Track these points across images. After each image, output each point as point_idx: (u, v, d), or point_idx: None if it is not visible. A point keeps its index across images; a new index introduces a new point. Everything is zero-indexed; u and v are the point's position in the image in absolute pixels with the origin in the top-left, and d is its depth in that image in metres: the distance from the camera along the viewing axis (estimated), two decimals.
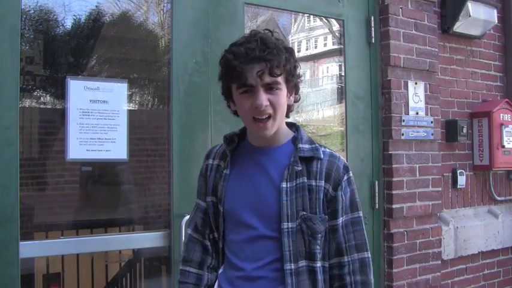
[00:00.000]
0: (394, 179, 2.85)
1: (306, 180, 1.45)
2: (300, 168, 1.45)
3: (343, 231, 1.46)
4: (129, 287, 3.84)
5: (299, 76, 1.52)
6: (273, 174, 1.47)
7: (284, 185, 1.44)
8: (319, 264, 1.44)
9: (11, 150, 1.89)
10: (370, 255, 1.49)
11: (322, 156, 1.47)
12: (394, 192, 2.85)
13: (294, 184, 1.44)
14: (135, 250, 3.55)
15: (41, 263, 3.48)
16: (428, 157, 3.02)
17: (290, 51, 1.47)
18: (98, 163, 3.38)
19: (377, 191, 2.87)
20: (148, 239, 2.38)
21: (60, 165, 3.72)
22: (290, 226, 1.42)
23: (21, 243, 1.91)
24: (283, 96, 1.44)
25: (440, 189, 3.09)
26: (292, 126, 1.58)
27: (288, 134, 1.53)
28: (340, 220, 1.46)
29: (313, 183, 1.44)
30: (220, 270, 1.58)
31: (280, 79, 1.42)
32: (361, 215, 1.50)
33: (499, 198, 3.57)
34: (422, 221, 2.98)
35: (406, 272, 2.87)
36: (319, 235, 1.44)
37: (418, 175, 2.96)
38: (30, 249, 2.03)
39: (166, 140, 2.35)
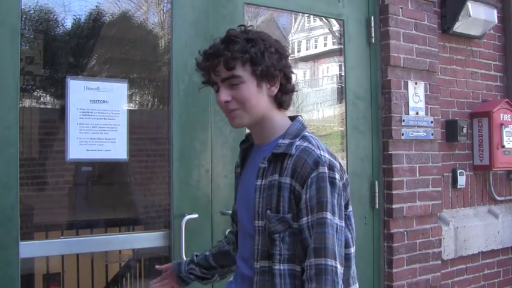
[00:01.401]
0: (394, 179, 2.85)
1: (277, 178, 1.37)
2: (264, 166, 1.39)
3: (308, 233, 1.31)
4: (129, 287, 3.84)
5: (277, 64, 1.41)
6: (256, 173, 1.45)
7: (258, 182, 1.40)
8: (278, 266, 1.34)
9: (11, 150, 1.89)
10: (331, 263, 1.27)
11: (293, 151, 1.36)
12: (394, 192, 2.85)
13: (267, 182, 1.39)
14: (135, 250, 3.55)
15: (41, 263, 3.48)
16: (428, 157, 3.02)
17: (253, 39, 1.38)
18: (98, 163, 3.38)
19: (377, 191, 2.87)
20: (148, 239, 2.38)
21: (60, 165, 3.72)
22: (260, 224, 1.39)
23: (21, 243, 1.91)
24: (247, 89, 1.38)
25: (440, 189, 3.09)
26: (294, 119, 1.51)
27: (283, 129, 1.46)
28: (305, 220, 1.31)
29: (282, 180, 1.36)
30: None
31: (240, 71, 1.37)
32: (327, 216, 1.30)
33: (499, 198, 3.57)
34: (422, 221, 2.98)
35: (406, 272, 2.87)
36: (276, 235, 1.34)
37: (418, 175, 2.96)
38: (30, 249, 2.03)
39: (166, 140, 2.35)
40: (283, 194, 1.35)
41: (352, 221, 1.48)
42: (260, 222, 1.39)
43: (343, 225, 1.36)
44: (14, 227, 1.89)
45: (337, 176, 1.35)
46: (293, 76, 1.49)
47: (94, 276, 3.80)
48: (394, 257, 2.83)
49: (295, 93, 1.54)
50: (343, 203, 1.38)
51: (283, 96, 1.45)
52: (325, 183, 1.32)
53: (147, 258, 3.64)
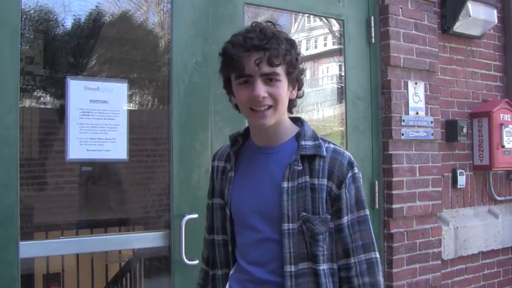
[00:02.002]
0: (394, 179, 2.85)
1: (308, 179, 1.38)
2: (300, 168, 1.39)
3: (349, 231, 1.38)
4: (129, 287, 3.84)
5: (302, 70, 1.46)
6: (275, 174, 1.42)
7: (285, 184, 1.38)
8: (322, 266, 1.37)
9: (11, 150, 1.89)
10: (378, 255, 1.41)
11: (324, 153, 1.40)
12: (394, 192, 2.85)
13: (296, 184, 1.38)
14: (135, 250, 3.55)
15: (41, 263, 3.48)
16: (428, 157, 3.02)
17: (291, 43, 1.41)
18: (98, 163, 3.38)
19: (377, 191, 2.87)
20: (148, 239, 2.38)
21: (60, 165, 3.72)
22: (291, 227, 1.37)
23: (21, 243, 1.91)
24: (283, 88, 1.38)
25: (440, 189, 3.09)
26: (297, 121, 1.52)
27: (292, 131, 1.47)
28: (345, 219, 1.38)
29: (316, 182, 1.38)
30: (232, 271, 1.55)
31: (280, 70, 1.37)
32: (367, 213, 1.42)
33: (499, 198, 3.57)
34: (422, 221, 2.98)
35: (406, 272, 2.87)
36: (320, 236, 1.37)
37: (418, 175, 2.96)
38: (30, 249, 2.03)
39: (166, 140, 2.34)
40: (321, 195, 1.37)
41: None
42: (291, 224, 1.37)
43: None
44: (14, 227, 1.89)
45: (361, 175, 1.45)
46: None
47: (94, 276, 3.80)
48: (394, 257, 2.83)
49: None
50: None
51: (296, 100, 1.49)
52: (360, 182, 1.43)
53: (147, 258, 3.64)
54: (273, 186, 1.41)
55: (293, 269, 1.37)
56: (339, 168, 1.39)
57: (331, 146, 1.44)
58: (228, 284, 1.55)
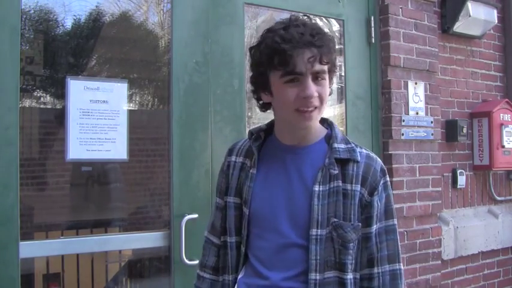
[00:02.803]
0: (394, 179, 2.85)
1: (341, 184, 1.32)
2: (336, 172, 1.32)
3: (376, 240, 1.33)
4: (129, 287, 3.84)
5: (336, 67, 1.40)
6: (305, 176, 1.34)
7: (317, 188, 1.31)
8: (350, 276, 1.31)
9: (11, 150, 1.89)
10: (402, 267, 1.37)
11: (359, 158, 1.35)
12: (394, 192, 2.83)
13: (328, 188, 1.32)
14: (135, 250, 3.54)
15: (41, 263, 3.47)
16: (428, 157, 3.02)
17: (334, 39, 1.34)
18: (98, 163, 3.38)
19: None
20: (148, 239, 2.38)
21: (60, 165, 3.72)
22: (319, 233, 1.30)
23: (21, 243, 1.91)
24: (327, 87, 1.33)
25: (440, 189, 3.09)
26: (323, 122, 1.43)
27: (320, 131, 1.40)
28: (374, 228, 1.33)
29: (349, 188, 1.32)
30: (241, 275, 1.44)
31: (326, 69, 1.31)
32: (395, 222, 1.37)
33: (499, 198, 3.57)
34: (422, 221, 2.98)
35: (406, 272, 2.86)
36: (351, 244, 1.31)
37: (418, 175, 2.96)
38: (30, 249, 2.03)
39: (166, 140, 2.34)
40: (354, 201, 1.32)
41: None
42: (319, 230, 1.30)
43: None
44: (14, 227, 1.89)
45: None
46: None
47: (94, 276, 3.79)
48: None
49: None
50: None
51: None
52: (390, 190, 1.39)
53: (147, 258, 3.64)
54: (302, 189, 1.34)
55: (318, 277, 1.30)
56: (373, 175, 1.35)
57: (364, 151, 1.39)
58: None
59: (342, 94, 2.94)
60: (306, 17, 1.36)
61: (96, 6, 3.27)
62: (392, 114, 2.88)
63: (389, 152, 2.87)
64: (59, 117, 2.32)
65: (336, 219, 1.30)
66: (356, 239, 1.32)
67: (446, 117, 3.30)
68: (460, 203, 3.36)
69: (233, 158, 1.48)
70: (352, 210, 1.32)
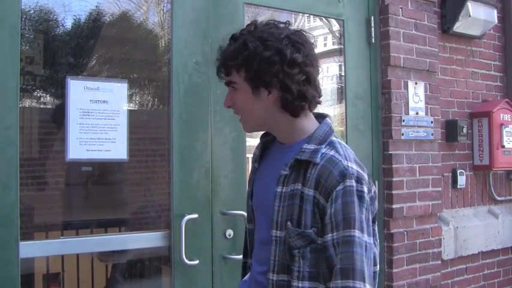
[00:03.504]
0: (394, 179, 2.85)
1: (300, 187, 1.27)
2: (286, 173, 1.29)
3: (334, 251, 1.21)
4: (129, 287, 3.83)
5: (275, 70, 1.27)
6: (277, 175, 1.33)
7: (279, 189, 1.30)
8: (297, 284, 1.24)
9: (11, 150, 1.89)
10: (361, 286, 1.17)
11: (318, 160, 1.26)
12: (394, 192, 2.85)
13: (289, 189, 1.29)
14: (135, 250, 3.54)
15: (41, 263, 3.47)
16: (428, 157, 3.02)
17: (248, 43, 1.27)
18: (98, 163, 3.38)
19: (377, 191, 2.86)
20: (148, 239, 2.38)
21: (60, 165, 3.72)
22: (279, 235, 1.29)
23: (21, 243, 1.91)
24: (240, 95, 1.32)
25: (440, 189, 3.09)
26: (322, 118, 1.40)
27: (308, 131, 1.35)
28: (329, 237, 1.21)
29: (305, 191, 1.26)
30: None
31: (236, 77, 1.31)
32: (355, 234, 1.20)
33: (499, 198, 3.57)
34: (422, 221, 2.98)
35: (406, 272, 2.87)
36: (295, 251, 1.24)
37: (418, 175, 2.96)
38: (30, 249, 2.03)
39: (167, 140, 2.34)
40: (306, 207, 1.25)
41: (377, 237, 1.36)
42: (279, 232, 1.29)
43: (372, 242, 1.26)
44: (14, 227, 1.89)
45: (365, 189, 1.25)
46: (299, 82, 1.31)
47: (94, 276, 3.79)
48: (394, 257, 2.83)
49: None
50: (370, 218, 1.29)
51: (289, 104, 1.31)
52: (353, 197, 1.22)
53: (147, 258, 3.64)
54: (273, 188, 1.33)
55: (274, 278, 1.30)
56: (328, 179, 1.23)
57: (331, 153, 1.28)
58: (248, 274, 1.55)
59: (341, 94, 2.94)
60: (251, 25, 1.34)
61: (96, 6, 3.27)
62: (392, 114, 2.88)
63: (390, 152, 2.87)
64: (59, 117, 2.32)
65: (289, 223, 1.26)
66: (303, 247, 1.24)
67: (446, 117, 3.30)
68: (460, 203, 3.36)
69: (255, 151, 1.54)
70: (304, 216, 1.25)
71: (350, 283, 1.17)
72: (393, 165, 2.86)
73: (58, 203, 3.91)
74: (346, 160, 1.27)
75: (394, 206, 2.84)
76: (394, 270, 2.82)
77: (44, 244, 2.25)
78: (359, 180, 1.25)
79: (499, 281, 3.52)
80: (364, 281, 1.18)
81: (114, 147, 2.17)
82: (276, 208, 1.30)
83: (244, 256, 1.61)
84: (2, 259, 1.86)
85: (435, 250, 3.01)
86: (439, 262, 3.04)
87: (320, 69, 1.40)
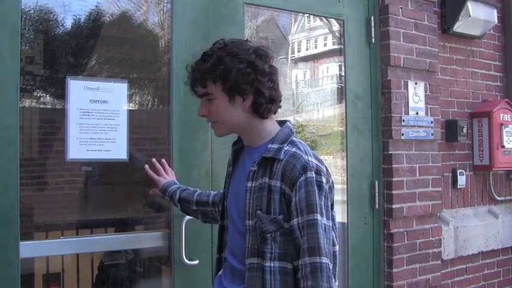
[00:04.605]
0: (394, 179, 2.85)
1: (267, 181, 1.46)
2: (254, 169, 1.49)
3: (300, 234, 1.41)
4: (129, 287, 3.84)
5: (251, 79, 1.48)
6: (247, 173, 1.53)
7: (249, 184, 1.50)
8: (269, 264, 1.43)
9: (11, 150, 1.89)
10: (324, 261, 1.39)
11: (282, 156, 1.46)
12: (394, 192, 2.85)
13: (258, 184, 1.48)
14: (135, 250, 3.54)
15: (41, 263, 3.47)
16: (428, 157, 3.02)
17: (224, 59, 1.47)
18: (98, 163, 3.38)
19: (377, 191, 2.87)
20: (148, 239, 2.39)
21: (60, 165, 3.72)
22: (251, 224, 1.47)
23: (21, 243, 1.91)
24: (218, 104, 1.51)
25: (440, 189, 3.09)
26: (283, 123, 1.61)
27: (271, 134, 1.55)
28: (295, 222, 1.42)
29: (272, 184, 1.45)
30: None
31: (212, 88, 1.50)
32: (317, 217, 1.41)
33: (499, 198, 3.57)
34: (422, 221, 2.98)
35: (406, 272, 2.87)
36: (268, 235, 1.44)
37: (418, 175, 2.96)
38: (30, 249, 2.03)
39: (166, 140, 2.35)
40: (274, 196, 1.45)
41: (336, 222, 1.57)
42: (251, 221, 1.47)
43: (330, 225, 1.47)
44: (14, 227, 1.89)
45: (324, 180, 1.45)
46: (270, 86, 1.53)
47: (94, 276, 3.79)
48: (394, 257, 2.83)
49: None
50: (329, 204, 1.49)
51: (261, 107, 1.52)
52: (313, 187, 1.42)
53: (147, 258, 3.64)
54: (243, 184, 1.52)
55: (247, 262, 1.48)
56: (292, 172, 1.43)
57: (293, 150, 1.47)
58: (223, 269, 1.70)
59: (341, 94, 2.94)
60: (220, 43, 1.55)
61: (96, 6, 3.27)
62: (392, 114, 2.88)
63: (390, 152, 2.87)
64: (59, 117, 2.32)
65: (259, 212, 1.46)
66: (275, 231, 1.44)
67: (446, 117, 3.30)
68: (460, 203, 3.36)
69: (229, 157, 1.73)
70: (273, 205, 1.44)
71: (317, 259, 1.39)
72: (393, 165, 2.86)
73: (58, 203, 3.91)
74: (307, 155, 1.47)
75: (394, 206, 2.84)
76: (394, 270, 2.82)
77: (44, 244, 2.25)
78: (318, 172, 1.45)
79: (499, 281, 3.52)
80: (327, 257, 1.40)
81: (114, 147, 2.17)
82: (247, 201, 1.49)
83: (218, 252, 1.75)
84: (2, 259, 1.86)
85: (435, 250, 3.01)
86: (439, 262, 3.04)
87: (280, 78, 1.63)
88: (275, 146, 1.50)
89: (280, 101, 1.60)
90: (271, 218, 1.44)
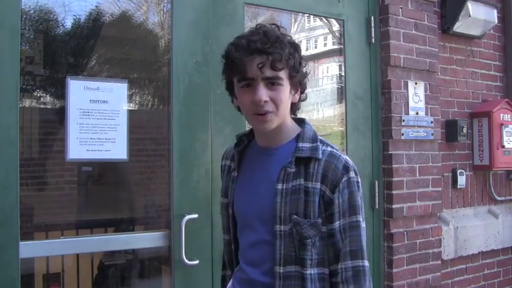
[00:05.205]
0: (394, 179, 2.85)
1: (303, 182, 1.37)
2: (293, 170, 1.38)
3: (341, 237, 1.35)
4: (129, 287, 3.84)
5: (305, 74, 1.46)
6: (272, 175, 1.41)
7: (279, 186, 1.38)
8: (309, 271, 1.35)
9: (11, 150, 1.89)
10: (367, 264, 1.36)
11: (320, 156, 1.38)
12: (394, 192, 2.85)
13: (290, 186, 1.37)
14: (135, 250, 3.54)
15: (41, 263, 3.47)
16: (428, 157, 3.02)
17: (295, 46, 1.41)
18: (98, 163, 3.38)
19: (377, 191, 2.87)
20: (148, 239, 2.38)
21: (60, 165, 3.72)
22: (283, 229, 1.37)
23: (21, 243, 1.91)
24: (285, 92, 1.38)
25: (440, 189, 3.09)
26: (300, 121, 1.51)
27: (293, 132, 1.46)
28: (337, 224, 1.35)
29: (310, 185, 1.36)
30: (236, 269, 1.57)
31: (282, 74, 1.36)
32: (359, 219, 1.37)
33: (499, 198, 3.57)
34: (422, 221, 2.98)
35: (406, 272, 2.87)
36: (308, 240, 1.35)
37: (418, 175, 2.96)
38: (30, 249, 2.03)
39: (166, 140, 2.35)
40: (314, 199, 1.35)
41: None
42: (283, 226, 1.37)
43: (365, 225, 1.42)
44: (14, 227, 1.89)
45: (360, 180, 1.40)
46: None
47: (94, 276, 3.79)
48: (394, 257, 2.83)
49: None
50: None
51: (299, 103, 1.49)
52: (355, 187, 1.37)
53: (147, 258, 3.64)
54: (269, 187, 1.40)
55: (282, 271, 1.37)
56: (333, 172, 1.36)
57: (329, 149, 1.40)
58: (231, 281, 1.57)
59: (342, 94, 2.94)
60: (273, 25, 1.42)
61: (96, 6, 3.27)
62: (392, 114, 2.88)
63: (390, 152, 2.87)
64: (59, 117, 2.32)
65: (295, 216, 1.35)
66: (315, 236, 1.35)
67: (446, 117, 3.30)
68: (460, 203, 3.36)
69: (223, 162, 1.63)
70: (311, 208, 1.35)
71: (359, 262, 1.35)
72: (393, 165, 2.86)
73: (58, 203, 3.91)
74: (343, 154, 1.41)
75: (394, 206, 2.84)
76: (394, 270, 2.82)
77: (44, 244, 2.25)
78: (355, 171, 1.40)
79: (499, 281, 3.52)
80: (367, 260, 1.37)
81: (114, 147, 2.17)
82: (278, 204, 1.37)
83: (223, 269, 1.65)
84: (2, 259, 1.86)
85: (435, 250, 3.01)
86: (439, 262, 3.04)
87: None
88: (307, 144, 1.40)
89: None
90: (312, 222, 1.35)
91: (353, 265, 1.34)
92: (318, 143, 1.41)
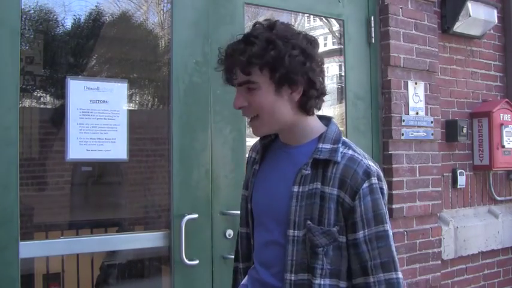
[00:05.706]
0: (394, 179, 2.85)
1: (319, 186, 1.28)
2: (307, 172, 1.29)
3: (367, 247, 1.26)
4: (129, 287, 3.84)
5: (307, 68, 1.28)
6: (289, 176, 1.33)
7: (295, 189, 1.30)
8: (319, 281, 1.26)
9: (11, 150, 1.89)
10: (401, 276, 1.28)
11: (339, 159, 1.28)
12: (394, 192, 2.85)
13: (307, 189, 1.29)
14: (135, 250, 3.54)
15: (41, 263, 3.47)
16: (428, 157, 3.02)
17: (276, 42, 1.26)
18: (98, 163, 3.38)
19: None
20: (148, 239, 2.38)
21: (60, 165, 3.72)
22: (296, 234, 1.29)
23: (21, 243, 1.91)
24: (264, 95, 1.28)
25: (440, 189, 3.09)
26: (327, 120, 1.41)
27: (317, 131, 1.36)
28: (361, 234, 1.26)
29: (326, 190, 1.27)
30: (252, 266, 1.50)
31: (258, 77, 1.27)
32: (387, 228, 1.28)
33: (499, 198, 3.57)
34: (422, 221, 2.98)
35: (406, 272, 2.86)
36: (319, 249, 1.26)
37: (418, 175, 2.95)
38: (30, 249, 2.03)
39: (166, 140, 2.34)
40: (330, 205, 1.26)
41: None
42: (296, 231, 1.29)
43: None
44: (14, 227, 1.89)
45: (384, 186, 1.31)
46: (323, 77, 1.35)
47: (94, 276, 3.79)
48: None
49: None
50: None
51: (309, 101, 1.32)
52: (378, 194, 1.28)
53: (147, 258, 3.64)
54: (285, 188, 1.33)
55: (293, 278, 1.30)
56: (353, 178, 1.26)
57: (350, 152, 1.30)
58: (246, 278, 1.52)
59: (342, 94, 2.94)
60: (265, 21, 1.33)
61: (96, 6, 3.28)
62: (392, 114, 2.88)
63: (390, 152, 2.87)
64: (59, 117, 2.32)
65: (309, 222, 1.27)
66: (327, 245, 1.27)
67: (446, 117, 3.30)
68: (460, 203, 3.36)
69: (250, 153, 1.55)
70: (326, 214, 1.27)
71: (393, 274, 1.26)
72: (393, 165, 2.86)
73: (58, 203, 3.92)
74: (366, 159, 1.31)
75: (394, 206, 2.84)
76: None
77: (44, 244, 2.25)
78: (379, 177, 1.30)
79: (499, 281, 3.52)
80: (399, 271, 1.29)
81: (114, 147, 2.17)
82: (292, 208, 1.30)
83: (235, 260, 1.60)
84: (2, 259, 1.86)
85: (435, 250, 3.01)
86: (439, 262, 3.04)
87: None
88: (327, 146, 1.31)
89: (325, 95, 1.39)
90: (324, 230, 1.26)
91: (386, 277, 1.26)
92: (339, 145, 1.32)
